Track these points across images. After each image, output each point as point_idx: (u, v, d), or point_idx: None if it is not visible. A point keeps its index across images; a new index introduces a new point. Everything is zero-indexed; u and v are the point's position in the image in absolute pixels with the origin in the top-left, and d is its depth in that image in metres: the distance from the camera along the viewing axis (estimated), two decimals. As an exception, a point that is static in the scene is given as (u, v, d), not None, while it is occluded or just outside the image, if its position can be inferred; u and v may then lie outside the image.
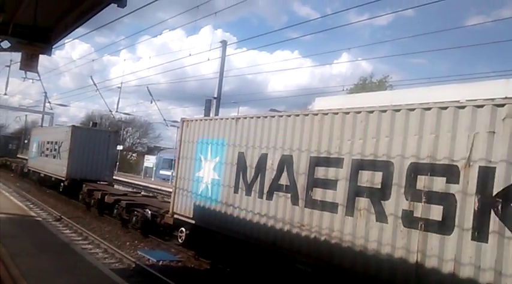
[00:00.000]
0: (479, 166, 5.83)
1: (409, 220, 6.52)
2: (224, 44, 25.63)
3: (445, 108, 6.33)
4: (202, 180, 11.38)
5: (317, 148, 8.24)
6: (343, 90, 26.11)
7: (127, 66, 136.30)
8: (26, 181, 30.18)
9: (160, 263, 11.53)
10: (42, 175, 26.80)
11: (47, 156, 26.40)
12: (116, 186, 24.64)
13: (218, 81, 25.62)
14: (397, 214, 6.69)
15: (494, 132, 5.78)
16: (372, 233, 7.04)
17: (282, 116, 9.32)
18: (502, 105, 5.77)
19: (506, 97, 5.87)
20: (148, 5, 11.46)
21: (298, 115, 8.87)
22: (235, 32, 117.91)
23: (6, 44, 7.73)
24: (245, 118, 10.37)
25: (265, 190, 9.26)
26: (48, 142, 26.56)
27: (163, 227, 13.79)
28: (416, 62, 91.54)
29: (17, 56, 8.91)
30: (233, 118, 10.77)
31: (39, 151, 28.68)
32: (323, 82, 76.09)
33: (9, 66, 38.03)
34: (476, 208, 5.82)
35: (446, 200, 6.13)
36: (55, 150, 24.80)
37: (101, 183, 21.76)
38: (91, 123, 33.16)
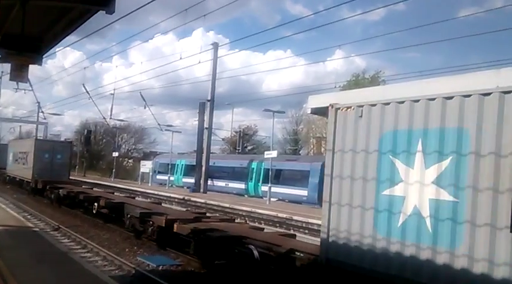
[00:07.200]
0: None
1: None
2: (215, 46, 25.58)
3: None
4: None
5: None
6: (335, 87, 26.24)
7: (119, 72, 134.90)
8: None
9: (160, 268, 11.50)
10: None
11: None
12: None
13: (211, 83, 25.51)
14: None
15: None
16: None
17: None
18: None
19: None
20: (138, 10, 11.51)
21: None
22: (227, 34, 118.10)
23: (-5, 55, 7.66)
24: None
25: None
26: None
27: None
28: (410, 56, 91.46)
29: (8, 67, 8.82)
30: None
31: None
32: (318, 80, 76.02)
33: (0, 78, 37.93)
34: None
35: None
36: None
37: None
38: (85, 130, 33.22)
